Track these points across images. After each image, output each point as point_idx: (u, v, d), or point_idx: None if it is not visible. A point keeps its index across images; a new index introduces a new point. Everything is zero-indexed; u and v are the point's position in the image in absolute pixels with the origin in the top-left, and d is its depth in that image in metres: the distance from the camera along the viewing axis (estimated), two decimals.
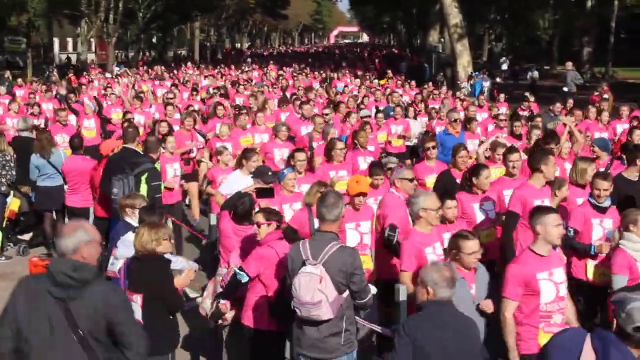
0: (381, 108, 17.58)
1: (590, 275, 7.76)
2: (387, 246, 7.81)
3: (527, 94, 19.28)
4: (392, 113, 16.04)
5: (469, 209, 8.42)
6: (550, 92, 26.90)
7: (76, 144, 11.42)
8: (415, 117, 16.56)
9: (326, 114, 14.99)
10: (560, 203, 8.36)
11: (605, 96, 20.16)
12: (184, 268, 6.44)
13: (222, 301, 7.05)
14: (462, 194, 8.39)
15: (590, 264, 7.76)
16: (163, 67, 37.04)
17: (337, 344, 5.87)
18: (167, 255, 6.32)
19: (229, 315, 7.08)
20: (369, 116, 15.32)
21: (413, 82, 25.82)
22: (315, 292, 5.67)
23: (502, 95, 20.11)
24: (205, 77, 30.26)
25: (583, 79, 32.44)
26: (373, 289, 6.41)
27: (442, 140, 12.41)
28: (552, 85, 33.81)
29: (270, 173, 9.03)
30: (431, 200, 6.96)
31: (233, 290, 6.91)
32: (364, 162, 11.06)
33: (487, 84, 27.37)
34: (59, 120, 14.83)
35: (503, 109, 17.69)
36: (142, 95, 19.31)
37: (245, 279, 6.64)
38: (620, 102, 23.91)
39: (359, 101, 19.27)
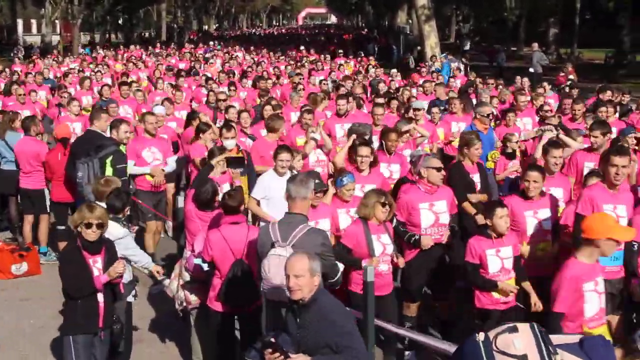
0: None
1: None
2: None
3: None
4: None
5: (520, 216, 7.19)
6: (516, 74, 27.00)
7: (27, 125, 10.98)
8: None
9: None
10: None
11: (571, 77, 20.35)
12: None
13: (186, 292, 7.11)
14: (513, 198, 7.29)
15: None
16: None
17: None
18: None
19: (194, 298, 7.12)
20: (423, 109, 12.42)
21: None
22: None
23: (573, 89, 16.75)
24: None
25: (549, 60, 32.65)
26: (341, 266, 6.43)
27: None
28: (518, 67, 34.01)
29: (317, 180, 7.23)
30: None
31: (201, 276, 6.92)
32: (386, 170, 9.23)
33: (455, 65, 27.30)
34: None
35: (551, 101, 14.87)
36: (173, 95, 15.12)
37: (206, 266, 6.72)
38: (585, 82, 24.24)
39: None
